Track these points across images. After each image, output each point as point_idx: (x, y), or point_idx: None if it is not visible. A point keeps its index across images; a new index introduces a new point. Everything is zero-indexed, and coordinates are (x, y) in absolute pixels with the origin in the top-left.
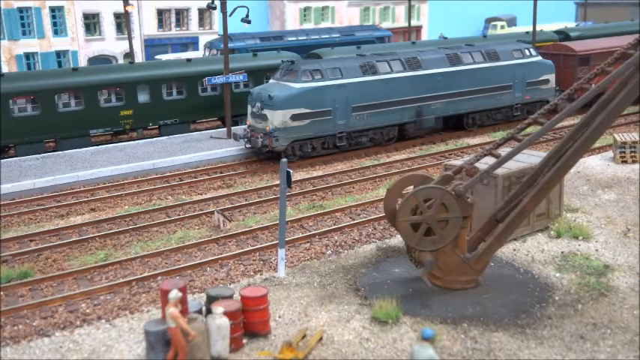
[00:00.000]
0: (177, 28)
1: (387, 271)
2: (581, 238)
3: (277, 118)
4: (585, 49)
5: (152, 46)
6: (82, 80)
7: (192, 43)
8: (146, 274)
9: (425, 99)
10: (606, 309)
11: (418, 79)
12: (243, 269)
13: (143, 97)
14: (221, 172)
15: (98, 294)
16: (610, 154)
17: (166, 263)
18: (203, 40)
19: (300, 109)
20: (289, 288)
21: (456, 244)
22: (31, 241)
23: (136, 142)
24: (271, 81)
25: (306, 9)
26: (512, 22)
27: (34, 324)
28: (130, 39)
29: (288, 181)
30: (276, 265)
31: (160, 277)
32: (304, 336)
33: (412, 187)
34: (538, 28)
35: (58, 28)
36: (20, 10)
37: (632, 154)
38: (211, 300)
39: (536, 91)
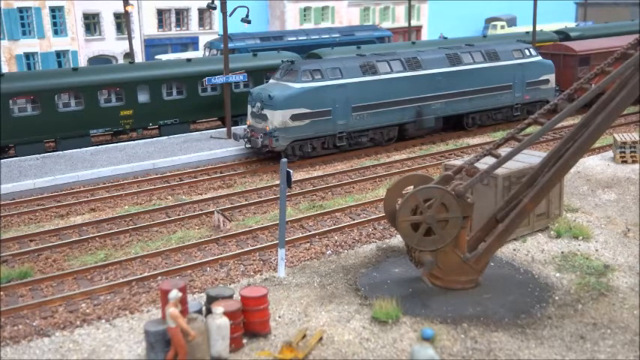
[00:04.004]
0: (177, 28)
1: (387, 271)
2: (581, 238)
3: (277, 118)
4: (585, 49)
5: (152, 46)
6: (82, 80)
7: (192, 43)
8: (146, 274)
9: (425, 99)
10: (606, 309)
11: (418, 79)
12: (243, 269)
13: (143, 97)
14: (221, 172)
15: (98, 294)
16: (610, 154)
17: (166, 263)
18: (203, 40)
19: (300, 109)
20: (289, 288)
21: (456, 244)
22: (31, 241)
23: (136, 142)
24: (271, 81)
25: (306, 9)
26: (512, 22)
27: (34, 324)
28: (130, 39)
29: (288, 181)
30: (276, 265)
31: (159, 277)
32: (304, 336)
33: (412, 187)
34: (538, 28)
35: (58, 28)
36: (20, 10)
37: (632, 154)
38: (211, 300)
39: (536, 91)
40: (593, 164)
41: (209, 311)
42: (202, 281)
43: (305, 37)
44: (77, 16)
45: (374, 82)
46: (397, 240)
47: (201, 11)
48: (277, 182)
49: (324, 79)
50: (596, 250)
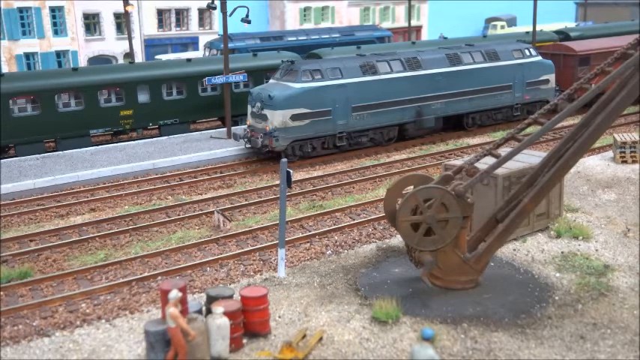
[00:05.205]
0: (177, 28)
1: (387, 271)
2: (581, 238)
3: (277, 118)
4: (585, 49)
5: (152, 46)
6: (82, 80)
7: (192, 43)
8: (146, 274)
9: (425, 99)
10: (606, 309)
11: (418, 79)
12: (243, 269)
13: (143, 97)
14: (221, 172)
15: (98, 294)
16: (610, 154)
17: (166, 263)
18: (203, 40)
19: (300, 109)
20: (289, 288)
21: (456, 244)
22: (31, 241)
23: (136, 142)
24: (271, 81)
25: (306, 9)
26: (512, 22)
27: (34, 324)
28: (130, 39)
29: (288, 181)
30: (276, 265)
31: (159, 277)
32: (304, 336)
33: (412, 187)
34: (538, 28)
35: (58, 28)
36: (20, 10)
37: (632, 154)
38: (211, 300)
39: (536, 91)
40: (593, 164)
41: (209, 311)
42: (202, 281)
43: (305, 37)
44: (77, 16)
45: (374, 82)
46: (397, 240)
47: (201, 11)
48: (277, 182)
49: (324, 79)
50: (596, 250)
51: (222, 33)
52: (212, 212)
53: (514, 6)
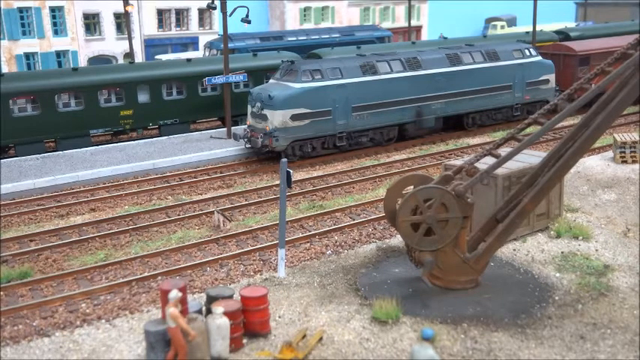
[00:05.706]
0: (178, 28)
1: (387, 271)
2: (581, 238)
3: (277, 118)
4: (585, 49)
5: (152, 46)
6: (82, 80)
7: (192, 43)
8: (146, 274)
9: (425, 99)
10: (606, 309)
11: (418, 79)
12: (243, 269)
13: (143, 97)
14: (221, 172)
15: (98, 294)
16: (610, 154)
17: (166, 263)
18: (203, 40)
19: (300, 109)
20: (289, 288)
21: (456, 244)
22: (31, 241)
23: (136, 142)
24: (271, 81)
25: (306, 9)
26: (512, 22)
27: (34, 324)
28: (130, 39)
29: (288, 181)
30: (276, 265)
31: (160, 277)
32: (304, 336)
33: (412, 187)
34: (538, 28)
35: (58, 28)
36: (20, 10)
37: (632, 154)
38: (211, 300)
39: (536, 91)
40: (593, 164)
41: (209, 311)
42: (202, 281)
43: (305, 37)
44: (77, 16)
45: (374, 82)
46: (397, 240)
47: (201, 11)
48: (277, 182)
49: (324, 79)
50: (596, 250)
51: (222, 33)
52: (212, 212)
53: (514, 6)
